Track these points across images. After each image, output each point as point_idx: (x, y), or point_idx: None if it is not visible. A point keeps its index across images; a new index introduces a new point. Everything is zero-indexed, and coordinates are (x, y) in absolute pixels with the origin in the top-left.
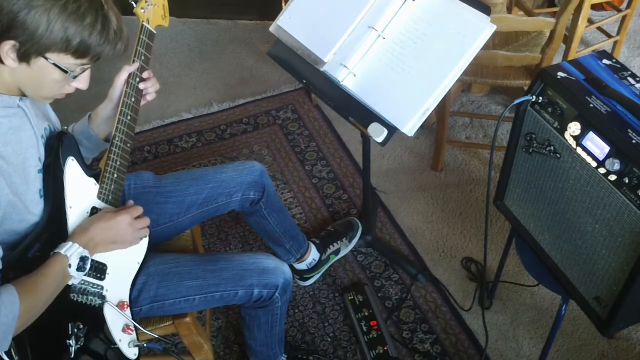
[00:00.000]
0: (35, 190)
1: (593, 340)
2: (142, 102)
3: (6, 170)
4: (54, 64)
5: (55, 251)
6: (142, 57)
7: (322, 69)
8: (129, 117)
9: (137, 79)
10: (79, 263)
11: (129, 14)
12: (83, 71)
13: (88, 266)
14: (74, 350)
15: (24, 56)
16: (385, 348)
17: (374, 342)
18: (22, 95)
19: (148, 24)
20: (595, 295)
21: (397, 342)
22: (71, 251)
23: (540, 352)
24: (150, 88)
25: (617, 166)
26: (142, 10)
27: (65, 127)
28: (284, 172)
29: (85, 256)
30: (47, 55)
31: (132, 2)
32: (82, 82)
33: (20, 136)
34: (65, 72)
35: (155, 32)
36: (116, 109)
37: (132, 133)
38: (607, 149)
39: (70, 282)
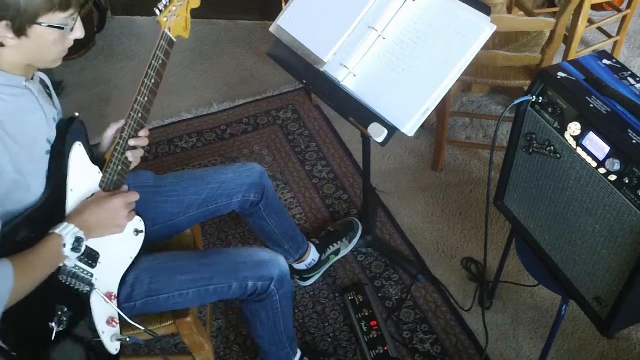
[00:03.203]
0: (42, 171)
1: (593, 340)
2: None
3: (12, 147)
4: (48, 25)
5: (50, 231)
6: (160, 61)
7: (322, 69)
8: (139, 115)
9: (152, 80)
10: (73, 243)
11: (145, 14)
12: (74, 21)
13: (83, 248)
14: (55, 333)
15: (19, 30)
16: (385, 348)
17: (374, 342)
18: (28, 75)
19: (169, 32)
20: (595, 295)
21: (397, 342)
22: (66, 231)
23: (540, 352)
24: (137, 151)
25: (617, 166)
26: (165, 19)
27: (77, 114)
28: (284, 172)
29: (80, 237)
30: (39, 20)
31: (157, 10)
32: (78, 31)
33: (27, 116)
34: (62, 28)
35: (175, 40)
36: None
37: (139, 129)
38: (607, 149)
39: (64, 263)
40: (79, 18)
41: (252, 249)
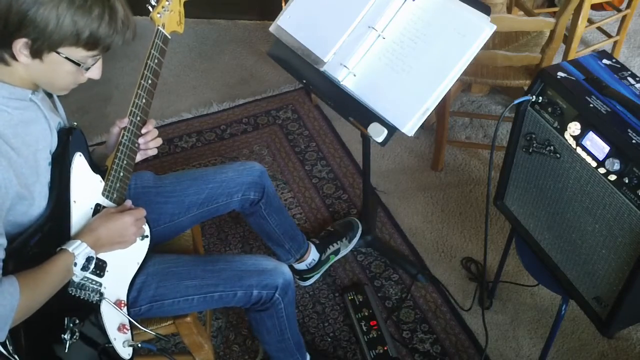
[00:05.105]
0: (45, 183)
1: (593, 340)
2: (139, 158)
3: (16, 161)
4: (66, 57)
5: (62, 247)
6: (156, 61)
7: (322, 69)
8: (138, 118)
9: (150, 82)
10: (84, 263)
11: (144, 14)
12: (95, 62)
13: (92, 266)
14: (68, 345)
15: (36, 52)
16: (385, 348)
17: (374, 342)
18: (35, 89)
19: (163, 28)
20: (595, 295)
21: (397, 342)
22: (79, 250)
23: (540, 352)
24: (150, 142)
25: (617, 166)
26: (159, 15)
27: (75, 123)
28: (284, 172)
29: (91, 256)
30: (59, 50)
31: (149, 7)
32: (95, 73)
33: (31, 129)
34: (78, 64)
35: (169, 37)
36: (111, 153)
37: (140, 133)
38: (607, 149)
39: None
40: (100, 61)
41: (256, 258)
